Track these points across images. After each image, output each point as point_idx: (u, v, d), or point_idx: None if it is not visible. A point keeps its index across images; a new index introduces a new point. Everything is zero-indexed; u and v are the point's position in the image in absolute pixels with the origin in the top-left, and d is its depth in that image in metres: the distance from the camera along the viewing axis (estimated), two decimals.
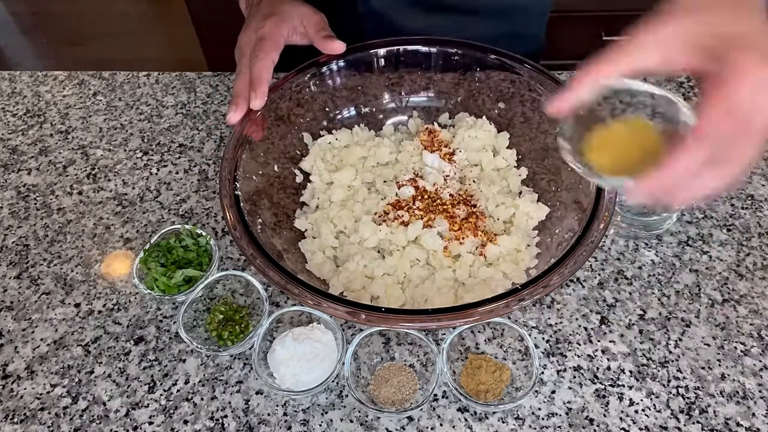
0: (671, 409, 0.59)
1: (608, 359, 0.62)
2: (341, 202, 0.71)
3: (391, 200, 0.70)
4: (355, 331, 0.66)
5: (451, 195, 0.70)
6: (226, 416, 0.61)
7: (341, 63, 0.74)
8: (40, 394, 0.64)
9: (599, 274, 0.69)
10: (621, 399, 0.60)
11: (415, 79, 0.78)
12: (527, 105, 0.73)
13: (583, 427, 0.58)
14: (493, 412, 0.59)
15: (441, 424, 0.59)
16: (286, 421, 0.60)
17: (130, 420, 0.61)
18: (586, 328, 0.65)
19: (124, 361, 0.65)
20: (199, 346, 0.63)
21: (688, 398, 0.60)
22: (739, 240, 0.71)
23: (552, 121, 0.69)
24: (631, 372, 0.61)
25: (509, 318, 0.65)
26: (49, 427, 0.61)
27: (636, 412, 0.59)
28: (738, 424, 0.58)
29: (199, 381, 0.63)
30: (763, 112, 0.42)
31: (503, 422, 0.59)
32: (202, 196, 0.81)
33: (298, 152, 0.75)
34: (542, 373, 0.62)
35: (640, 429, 0.58)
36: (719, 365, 0.62)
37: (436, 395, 0.61)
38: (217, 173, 0.83)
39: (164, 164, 0.85)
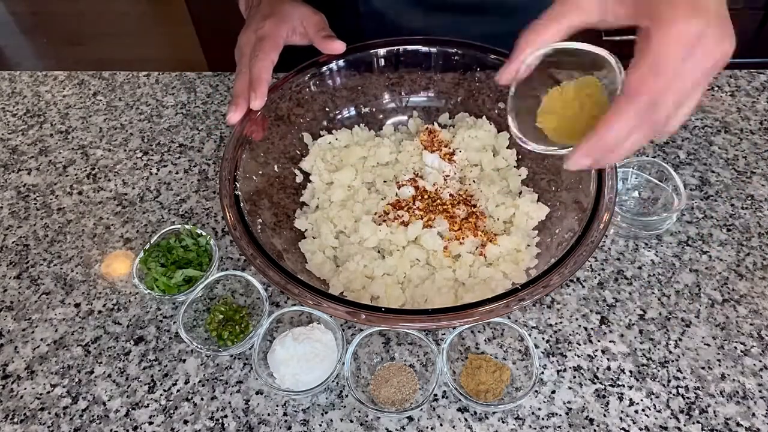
0: (671, 409, 0.59)
1: (608, 359, 0.62)
2: (341, 202, 0.71)
3: (391, 200, 0.70)
4: (355, 331, 0.66)
5: (451, 195, 0.70)
6: (226, 416, 0.61)
7: (341, 63, 0.74)
8: (40, 394, 0.64)
9: (599, 274, 0.69)
10: (621, 399, 0.60)
11: (415, 79, 0.78)
12: None
13: (583, 427, 0.58)
14: (493, 412, 0.59)
15: (441, 424, 0.59)
16: (286, 421, 0.60)
17: (130, 420, 0.61)
18: (586, 328, 0.65)
19: (124, 361, 0.65)
20: (199, 346, 0.63)
21: (688, 398, 0.60)
22: (739, 240, 0.71)
23: None
24: (631, 372, 0.61)
25: (509, 318, 0.65)
26: (49, 427, 0.61)
27: (636, 412, 0.59)
28: (738, 424, 0.58)
29: (199, 381, 0.63)
30: (691, 68, 0.41)
31: (503, 422, 0.59)
32: (202, 196, 0.81)
33: (298, 152, 0.75)
34: (542, 373, 0.62)
35: (640, 429, 0.58)
36: (719, 365, 0.62)
37: (436, 395, 0.61)
38: (217, 173, 0.83)
39: (164, 164, 0.85)
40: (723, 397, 0.59)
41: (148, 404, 0.62)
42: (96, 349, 0.67)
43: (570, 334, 0.64)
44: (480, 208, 0.69)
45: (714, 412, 0.59)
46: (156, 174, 0.84)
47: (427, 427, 0.59)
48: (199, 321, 0.67)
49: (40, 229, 0.79)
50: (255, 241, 0.58)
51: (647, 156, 0.80)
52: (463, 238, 0.66)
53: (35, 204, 0.82)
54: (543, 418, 0.59)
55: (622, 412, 0.59)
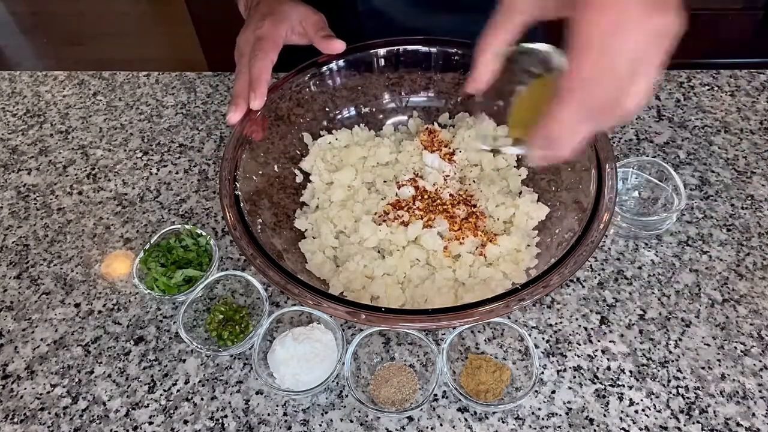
0: (671, 409, 0.59)
1: (608, 359, 0.62)
2: (341, 202, 0.71)
3: (391, 200, 0.70)
4: (355, 331, 0.66)
5: (451, 195, 0.70)
6: (226, 416, 0.61)
7: (341, 63, 0.74)
8: (40, 394, 0.64)
9: (599, 274, 0.69)
10: (621, 399, 0.60)
11: (415, 79, 0.78)
12: None
13: (583, 427, 0.58)
14: (493, 412, 0.59)
15: (441, 424, 0.59)
16: (286, 421, 0.60)
17: (130, 420, 0.61)
18: (586, 328, 0.65)
19: (124, 361, 0.65)
20: (199, 346, 0.63)
21: (688, 398, 0.60)
22: (739, 240, 0.71)
23: None
24: (631, 372, 0.61)
25: (509, 318, 0.65)
26: (49, 427, 0.61)
27: (636, 412, 0.59)
28: (738, 424, 0.58)
29: (199, 381, 0.63)
30: (621, 43, 0.39)
31: (503, 422, 0.59)
32: (202, 196, 0.81)
33: (298, 152, 0.75)
34: (542, 373, 0.62)
35: (640, 429, 0.58)
36: (719, 365, 0.62)
37: (436, 395, 0.61)
38: (217, 173, 0.83)
39: (164, 164, 0.85)
40: (723, 397, 0.59)
41: (148, 404, 0.62)
42: (96, 349, 0.67)
43: (570, 334, 0.64)
44: (480, 208, 0.69)
45: (714, 412, 0.59)
46: (156, 174, 0.84)
47: (427, 427, 0.59)
48: (199, 321, 0.67)
49: (40, 229, 0.79)
50: (255, 241, 0.58)
51: (647, 156, 0.80)
52: (463, 238, 0.66)
53: (35, 204, 0.82)
54: (543, 418, 0.59)
55: (622, 412, 0.59)
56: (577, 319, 0.66)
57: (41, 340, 0.68)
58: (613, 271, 0.70)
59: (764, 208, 0.74)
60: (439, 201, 0.69)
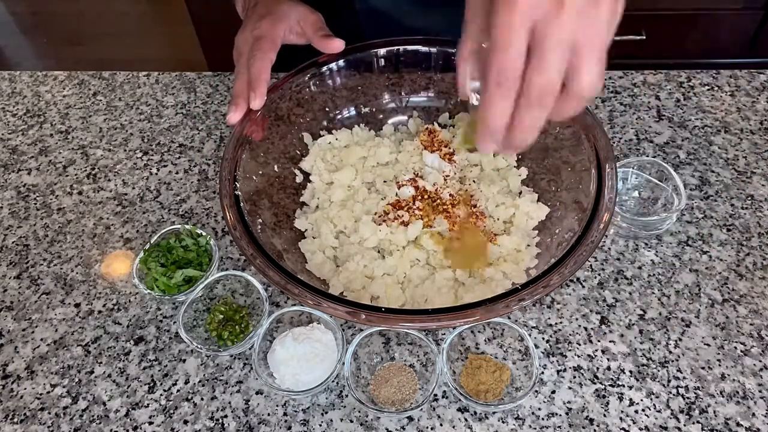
0: (671, 409, 0.59)
1: (608, 359, 0.62)
2: (341, 202, 0.71)
3: (391, 200, 0.70)
4: (355, 331, 0.66)
5: (451, 195, 0.70)
6: (226, 416, 0.61)
7: (341, 63, 0.74)
8: (40, 394, 0.64)
9: (599, 274, 0.69)
10: (621, 399, 0.60)
11: (415, 79, 0.78)
12: None
13: (583, 427, 0.58)
14: (493, 412, 0.59)
15: (441, 424, 0.59)
16: (286, 421, 0.60)
17: (130, 420, 0.61)
18: (586, 328, 0.65)
19: (124, 361, 0.65)
20: (199, 346, 0.63)
21: (688, 398, 0.60)
22: (739, 240, 0.71)
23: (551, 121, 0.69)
24: (631, 372, 0.61)
25: (509, 318, 0.65)
26: (49, 427, 0.61)
27: (636, 412, 0.59)
28: (738, 424, 0.58)
29: (199, 381, 0.63)
30: (549, 31, 0.37)
31: (503, 422, 0.59)
32: (202, 196, 0.81)
33: (298, 152, 0.75)
34: (542, 373, 0.62)
35: (640, 429, 0.58)
36: (719, 365, 0.62)
37: (436, 395, 0.61)
38: (217, 173, 0.83)
39: (164, 164, 0.85)
40: (723, 397, 0.59)
41: (148, 404, 0.62)
42: (96, 349, 0.67)
43: (570, 334, 0.64)
44: (480, 208, 0.69)
45: (714, 412, 0.59)
46: (156, 174, 0.84)
47: (427, 427, 0.59)
48: (199, 321, 0.67)
49: (40, 229, 0.79)
50: (255, 241, 0.58)
51: (647, 156, 0.80)
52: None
53: (35, 204, 0.82)
54: (543, 418, 0.59)
55: (622, 412, 0.59)
56: (577, 319, 0.66)
57: (41, 340, 0.68)
58: (613, 271, 0.70)
59: (764, 208, 0.74)
60: (439, 201, 0.69)
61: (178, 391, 0.63)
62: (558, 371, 0.62)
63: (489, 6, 0.40)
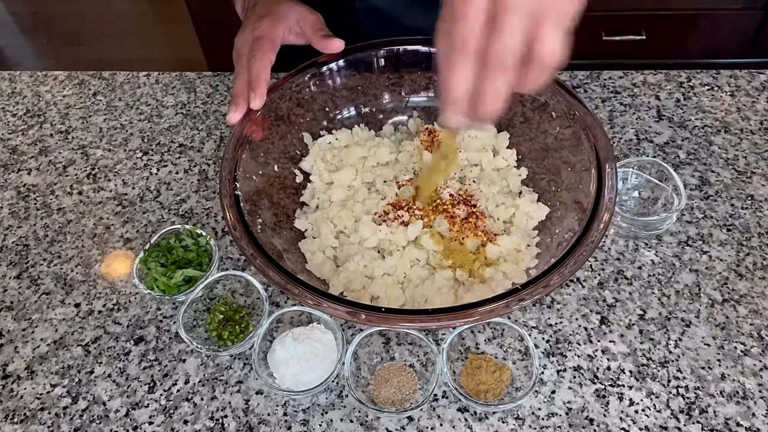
0: (671, 409, 0.59)
1: (608, 359, 0.62)
2: (341, 202, 0.71)
3: (391, 200, 0.70)
4: (355, 331, 0.66)
5: (451, 195, 0.70)
6: (226, 416, 0.61)
7: (341, 63, 0.74)
8: (40, 394, 0.64)
9: (599, 274, 0.69)
10: (621, 399, 0.60)
11: (415, 79, 0.78)
12: (527, 105, 0.73)
13: (583, 427, 0.58)
14: (493, 412, 0.59)
15: (441, 424, 0.59)
16: (286, 421, 0.60)
17: (130, 420, 0.61)
18: (586, 328, 0.65)
19: (124, 361, 0.65)
20: (199, 346, 0.63)
21: (688, 398, 0.60)
22: (739, 240, 0.71)
23: (551, 121, 0.69)
24: (631, 372, 0.61)
25: (509, 318, 0.65)
26: (49, 427, 0.61)
27: (636, 412, 0.59)
28: (738, 424, 0.58)
29: (199, 381, 0.63)
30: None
31: (503, 422, 0.59)
32: (202, 196, 0.81)
33: (298, 152, 0.75)
34: (542, 373, 0.62)
35: (640, 429, 0.58)
36: (719, 365, 0.62)
37: (436, 395, 0.61)
38: (217, 173, 0.83)
39: (164, 164, 0.85)
40: (723, 397, 0.59)
41: (148, 404, 0.62)
42: (96, 349, 0.67)
43: (570, 334, 0.64)
44: (480, 208, 0.69)
45: (714, 412, 0.59)
46: (156, 174, 0.84)
47: (427, 427, 0.59)
48: (199, 321, 0.67)
49: (40, 229, 0.79)
50: (255, 241, 0.58)
51: (647, 156, 0.80)
52: (463, 238, 0.66)
53: (35, 204, 0.82)
54: (543, 418, 0.59)
55: (622, 412, 0.59)
56: (577, 319, 0.66)
57: (41, 340, 0.68)
58: (613, 271, 0.70)
59: (764, 208, 0.74)
60: (439, 201, 0.69)
61: (178, 391, 0.63)
62: (558, 371, 0.62)
63: None
